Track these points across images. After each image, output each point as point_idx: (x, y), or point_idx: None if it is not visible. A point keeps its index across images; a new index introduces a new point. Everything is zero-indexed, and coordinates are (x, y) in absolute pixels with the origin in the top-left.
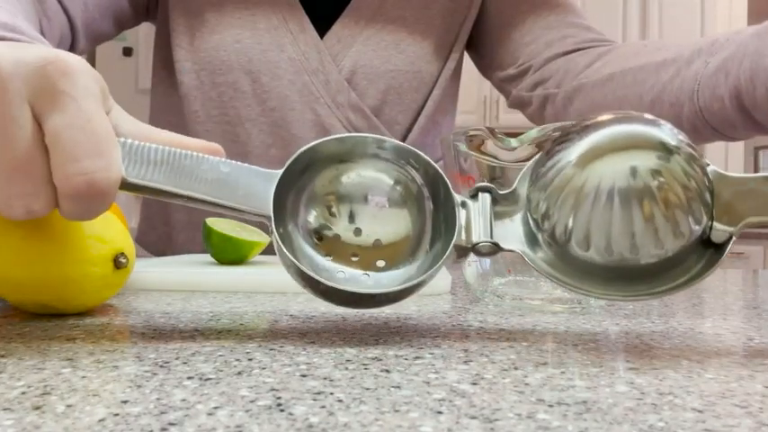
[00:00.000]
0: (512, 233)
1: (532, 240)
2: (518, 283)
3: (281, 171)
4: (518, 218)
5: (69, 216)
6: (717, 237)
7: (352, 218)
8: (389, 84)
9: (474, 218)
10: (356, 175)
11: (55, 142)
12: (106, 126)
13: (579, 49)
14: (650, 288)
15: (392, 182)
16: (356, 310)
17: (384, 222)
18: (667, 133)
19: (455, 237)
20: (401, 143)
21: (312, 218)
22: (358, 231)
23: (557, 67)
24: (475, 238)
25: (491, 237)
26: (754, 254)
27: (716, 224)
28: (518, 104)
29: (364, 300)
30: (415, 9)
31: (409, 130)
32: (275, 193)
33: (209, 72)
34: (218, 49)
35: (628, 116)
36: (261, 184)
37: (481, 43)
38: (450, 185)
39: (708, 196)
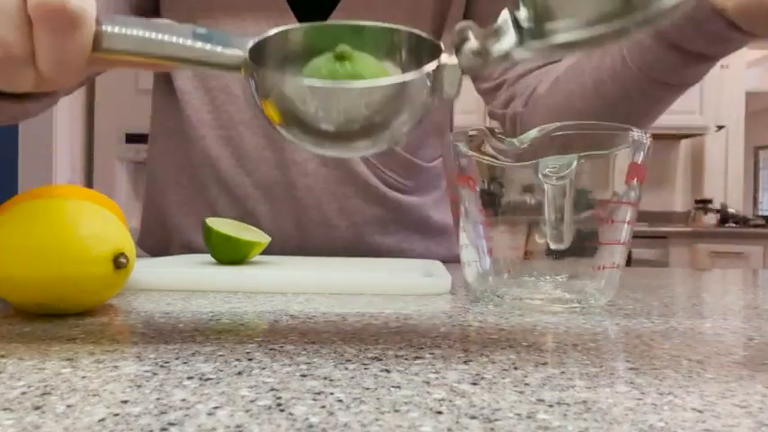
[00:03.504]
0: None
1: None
2: (518, 283)
3: (257, 37)
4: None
5: (45, 60)
6: None
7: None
8: None
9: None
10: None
11: None
12: None
13: (548, 64)
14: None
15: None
16: (356, 311)
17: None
18: None
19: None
20: (378, 25)
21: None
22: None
23: (527, 83)
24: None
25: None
26: (754, 254)
27: None
28: (496, 119)
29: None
30: (405, 9)
31: None
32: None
33: (202, 77)
34: None
35: None
36: (238, 40)
37: None
38: (431, 39)
39: None
